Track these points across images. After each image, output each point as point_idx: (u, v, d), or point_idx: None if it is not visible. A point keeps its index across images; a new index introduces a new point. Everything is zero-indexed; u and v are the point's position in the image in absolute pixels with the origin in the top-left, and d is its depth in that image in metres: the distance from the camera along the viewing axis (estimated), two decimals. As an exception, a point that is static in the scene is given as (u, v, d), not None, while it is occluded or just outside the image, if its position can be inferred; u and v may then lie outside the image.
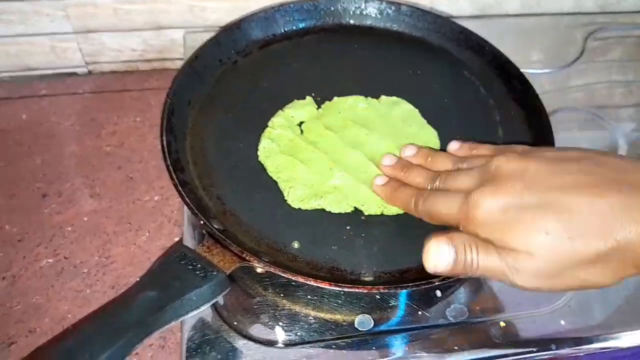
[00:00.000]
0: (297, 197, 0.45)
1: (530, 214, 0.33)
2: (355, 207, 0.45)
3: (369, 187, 0.46)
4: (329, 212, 0.45)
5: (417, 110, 0.52)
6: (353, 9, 0.58)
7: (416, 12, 0.57)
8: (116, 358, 0.31)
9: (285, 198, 0.45)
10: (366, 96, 0.53)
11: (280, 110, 0.51)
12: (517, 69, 0.53)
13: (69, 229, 0.51)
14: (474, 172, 0.38)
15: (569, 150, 0.37)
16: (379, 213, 0.45)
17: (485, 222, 0.34)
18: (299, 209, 0.44)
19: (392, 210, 0.45)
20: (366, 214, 0.45)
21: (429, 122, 0.51)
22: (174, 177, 0.42)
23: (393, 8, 0.58)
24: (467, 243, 0.35)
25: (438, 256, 0.35)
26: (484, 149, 0.43)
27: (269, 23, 0.56)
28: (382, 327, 0.42)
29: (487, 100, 0.54)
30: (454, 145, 0.45)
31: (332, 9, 0.58)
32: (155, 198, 0.53)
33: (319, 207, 0.45)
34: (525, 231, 0.32)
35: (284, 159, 0.47)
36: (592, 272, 0.32)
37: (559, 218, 0.32)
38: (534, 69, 0.63)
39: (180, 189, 0.41)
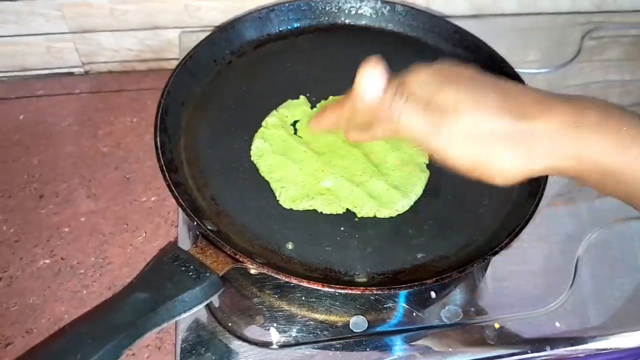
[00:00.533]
0: (289, 197, 0.45)
1: (465, 82, 0.35)
2: (347, 209, 0.45)
3: (363, 189, 0.46)
4: (323, 213, 0.45)
5: None
6: (348, 8, 0.58)
7: (411, 11, 0.57)
8: (107, 358, 0.31)
9: (277, 198, 0.45)
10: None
11: (274, 110, 0.51)
12: (512, 69, 0.53)
13: (66, 229, 0.51)
14: None
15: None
16: (371, 215, 0.45)
17: (417, 85, 0.35)
18: (293, 209, 0.45)
19: (385, 212, 0.45)
20: (359, 216, 0.45)
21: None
22: (168, 177, 0.42)
23: (388, 8, 0.58)
24: (400, 88, 0.36)
25: (371, 79, 0.36)
26: None
27: (263, 23, 0.56)
28: (377, 329, 0.43)
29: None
30: None
31: (327, 8, 0.58)
32: (152, 199, 0.53)
33: (311, 208, 0.45)
34: (458, 91, 0.34)
35: (276, 159, 0.47)
36: (505, 150, 0.34)
37: (494, 94, 0.34)
38: (530, 68, 0.63)
39: (173, 189, 0.41)
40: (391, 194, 0.46)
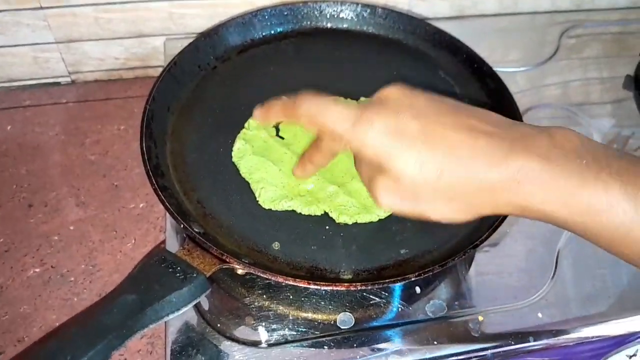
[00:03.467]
0: (268, 198, 0.45)
1: (409, 140, 0.34)
2: (325, 212, 0.46)
3: (344, 190, 0.46)
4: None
5: None
6: (330, 12, 0.59)
7: (391, 14, 0.58)
8: (97, 359, 0.31)
9: (257, 199, 0.46)
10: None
11: None
12: (491, 68, 0.54)
13: (55, 238, 0.51)
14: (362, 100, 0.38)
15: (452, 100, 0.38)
16: (350, 223, 0.45)
17: (367, 140, 0.34)
18: (277, 210, 0.45)
19: (366, 218, 0.45)
20: (337, 222, 0.45)
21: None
22: (154, 182, 0.42)
23: (369, 11, 0.59)
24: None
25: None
26: None
27: (246, 28, 0.57)
28: (364, 325, 0.43)
29: (461, 99, 0.54)
30: None
31: (309, 12, 0.59)
32: (141, 205, 0.54)
33: (289, 209, 0.45)
34: (400, 155, 0.34)
35: (256, 160, 0.48)
36: (450, 206, 0.34)
37: (434, 151, 0.33)
38: (510, 67, 0.64)
39: (160, 193, 0.41)
40: (372, 201, 0.46)
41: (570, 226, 0.32)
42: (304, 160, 0.43)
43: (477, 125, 0.34)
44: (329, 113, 0.36)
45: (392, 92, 0.37)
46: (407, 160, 0.33)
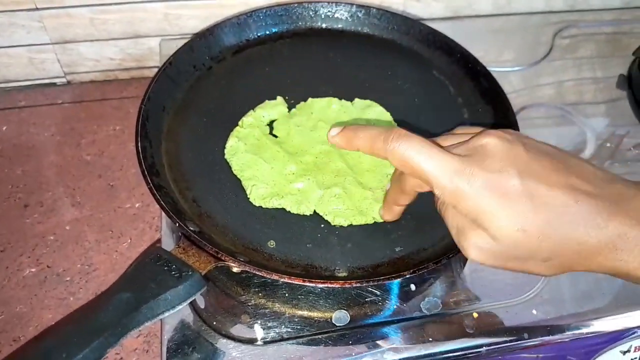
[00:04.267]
0: (259, 195, 0.45)
1: (511, 201, 0.32)
2: (315, 211, 0.46)
3: (338, 195, 0.46)
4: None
5: (389, 114, 0.53)
6: (324, 12, 0.59)
7: (385, 14, 0.58)
8: (93, 357, 0.31)
9: (248, 196, 0.46)
10: (340, 98, 0.54)
11: (251, 110, 0.52)
12: (485, 68, 0.54)
13: (51, 238, 0.51)
14: (460, 139, 0.37)
15: (556, 148, 0.36)
16: (345, 225, 0.45)
17: (467, 194, 0.33)
18: (268, 208, 0.45)
19: (361, 220, 0.45)
20: (333, 224, 0.45)
21: (399, 122, 0.52)
22: (149, 181, 0.42)
23: (363, 11, 0.59)
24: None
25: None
26: (465, 130, 0.40)
27: (241, 29, 0.57)
28: (359, 322, 0.43)
29: (455, 98, 0.55)
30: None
31: (304, 13, 0.59)
32: (136, 205, 0.54)
33: (280, 207, 0.45)
34: (501, 216, 0.32)
35: (248, 158, 0.48)
36: (544, 265, 0.34)
37: (538, 215, 0.32)
38: (504, 67, 0.65)
39: (155, 192, 0.42)
40: (368, 203, 0.46)
41: None
42: (389, 204, 0.43)
43: (578, 184, 0.33)
44: (428, 161, 0.34)
45: (493, 142, 0.34)
46: (509, 221, 0.32)
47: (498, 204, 0.32)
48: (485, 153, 0.34)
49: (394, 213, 0.43)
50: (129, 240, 0.52)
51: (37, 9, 0.58)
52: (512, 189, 0.32)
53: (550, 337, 0.44)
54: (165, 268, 0.37)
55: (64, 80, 0.65)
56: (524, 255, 0.33)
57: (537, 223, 0.32)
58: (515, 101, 0.52)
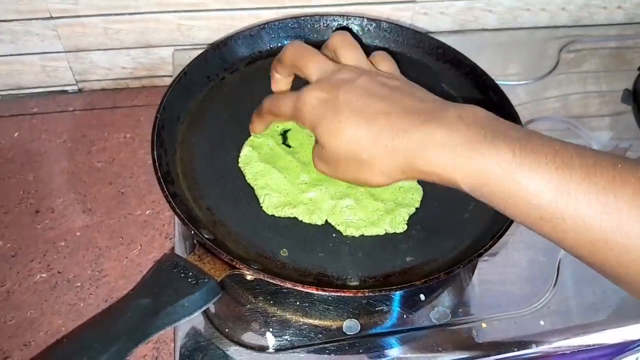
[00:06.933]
0: (272, 204, 0.46)
1: (334, 114, 0.39)
2: (326, 221, 0.46)
3: (350, 205, 0.46)
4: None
5: None
6: (336, 25, 0.60)
7: (396, 28, 0.59)
8: (112, 362, 0.32)
9: (261, 204, 0.46)
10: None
11: None
12: (493, 81, 0.55)
13: (62, 244, 0.52)
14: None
15: (395, 79, 0.43)
16: (357, 235, 0.45)
17: (306, 115, 0.41)
18: (281, 217, 0.46)
19: (372, 231, 0.45)
20: (344, 234, 0.45)
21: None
22: (165, 189, 0.43)
23: (374, 25, 0.60)
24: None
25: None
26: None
27: (254, 40, 0.57)
28: (369, 331, 0.44)
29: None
30: None
31: (316, 26, 0.59)
32: (147, 212, 0.55)
33: (292, 216, 0.46)
34: (326, 127, 0.39)
35: (262, 167, 0.48)
36: (363, 171, 0.40)
37: (358, 125, 0.38)
38: (511, 80, 0.65)
39: (171, 200, 0.42)
40: (380, 214, 0.46)
41: (472, 191, 0.36)
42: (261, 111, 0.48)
43: (398, 104, 0.39)
44: (278, 102, 0.44)
45: (341, 72, 0.42)
46: (333, 133, 0.39)
47: (323, 119, 0.40)
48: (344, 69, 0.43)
49: (265, 122, 0.48)
50: (139, 247, 0.52)
51: (51, 17, 0.58)
52: (338, 103, 0.39)
53: (557, 348, 0.45)
54: (182, 275, 0.37)
55: (75, 87, 0.66)
56: (344, 161, 0.40)
57: (354, 132, 0.38)
58: (521, 114, 0.53)
